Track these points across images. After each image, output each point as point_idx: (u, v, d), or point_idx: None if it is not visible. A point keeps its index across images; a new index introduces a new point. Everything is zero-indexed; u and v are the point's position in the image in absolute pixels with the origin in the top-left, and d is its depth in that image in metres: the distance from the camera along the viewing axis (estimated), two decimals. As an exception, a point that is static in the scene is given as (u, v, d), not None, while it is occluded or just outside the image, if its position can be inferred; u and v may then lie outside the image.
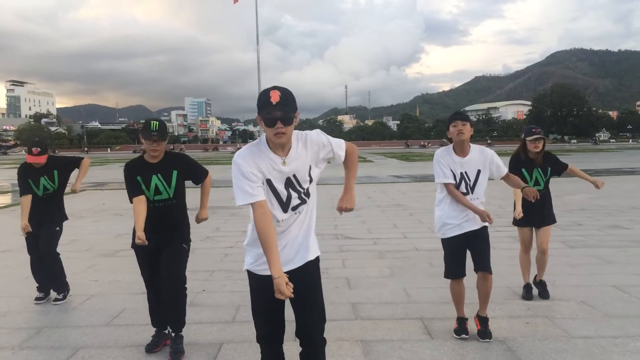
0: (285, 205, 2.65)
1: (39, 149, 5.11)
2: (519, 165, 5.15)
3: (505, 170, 4.10)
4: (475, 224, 4.02)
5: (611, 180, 19.40)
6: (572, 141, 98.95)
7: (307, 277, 2.65)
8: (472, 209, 3.97)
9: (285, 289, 2.39)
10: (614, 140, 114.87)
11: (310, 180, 2.69)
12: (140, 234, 3.73)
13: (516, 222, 5.20)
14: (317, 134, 2.71)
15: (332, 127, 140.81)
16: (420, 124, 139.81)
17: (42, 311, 5.02)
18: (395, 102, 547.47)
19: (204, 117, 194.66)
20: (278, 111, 2.43)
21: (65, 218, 5.52)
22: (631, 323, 4.37)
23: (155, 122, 3.85)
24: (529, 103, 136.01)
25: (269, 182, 2.60)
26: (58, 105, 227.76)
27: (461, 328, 4.18)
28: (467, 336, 4.13)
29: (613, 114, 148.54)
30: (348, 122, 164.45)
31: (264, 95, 2.46)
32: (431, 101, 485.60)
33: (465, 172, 4.02)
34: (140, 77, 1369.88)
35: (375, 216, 10.96)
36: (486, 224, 4.04)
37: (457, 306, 4.25)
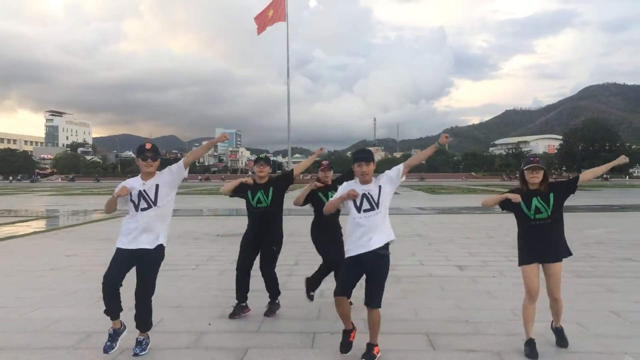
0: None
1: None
2: None
3: (399, 166, 4.72)
4: (362, 248, 4.57)
5: (632, 216, 19.51)
6: (607, 177, 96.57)
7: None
8: None
9: None
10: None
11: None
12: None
13: (520, 261, 4.68)
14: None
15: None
16: (449, 157, 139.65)
17: (89, 319, 5.66)
18: (424, 135, 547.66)
19: (234, 148, 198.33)
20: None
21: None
22: (618, 342, 4.80)
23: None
24: (561, 137, 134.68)
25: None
26: (94, 135, 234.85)
27: (344, 339, 4.61)
28: (347, 353, 4.54)
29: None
30: (376, 153, 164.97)
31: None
32: (460, 134, 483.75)
33: (369, 192, 4.59)
34: (173, 108, 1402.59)
35: (395, 245, 11.39)
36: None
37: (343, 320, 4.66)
